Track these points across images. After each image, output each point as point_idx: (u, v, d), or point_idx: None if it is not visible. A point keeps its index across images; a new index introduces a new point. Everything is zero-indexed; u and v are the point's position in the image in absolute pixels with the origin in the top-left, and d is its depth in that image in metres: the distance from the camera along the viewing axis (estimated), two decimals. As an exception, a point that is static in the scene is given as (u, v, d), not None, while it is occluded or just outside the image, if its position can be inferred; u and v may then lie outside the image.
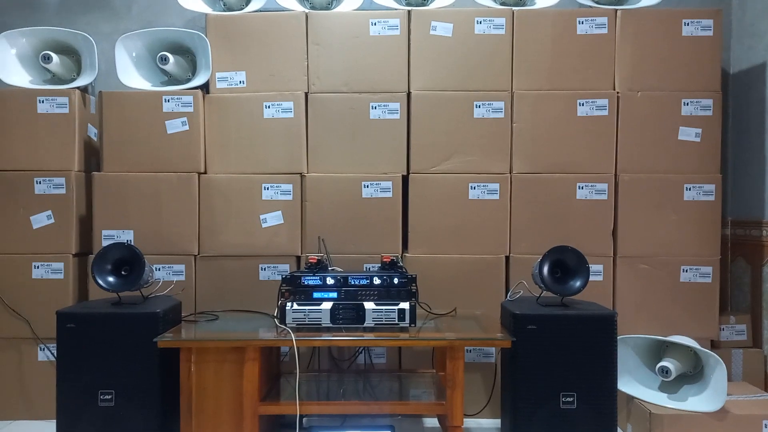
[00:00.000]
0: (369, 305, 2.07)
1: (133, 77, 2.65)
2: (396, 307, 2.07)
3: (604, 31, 2.57)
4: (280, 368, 2.45)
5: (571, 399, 2.03)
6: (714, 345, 2.57)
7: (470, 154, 2.57)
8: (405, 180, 2.58)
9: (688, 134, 2.56)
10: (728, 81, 2.93)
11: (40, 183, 2.53)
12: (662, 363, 2.25)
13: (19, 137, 2.55)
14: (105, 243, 2.48)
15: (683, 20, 2.57)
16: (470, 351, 2.51)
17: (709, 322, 2.54)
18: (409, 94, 2.59)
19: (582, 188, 2.54)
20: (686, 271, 2.54)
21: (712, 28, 2.56)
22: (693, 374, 2.30)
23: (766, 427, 2.15)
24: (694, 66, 2.57)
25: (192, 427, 1.99)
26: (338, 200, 2.56)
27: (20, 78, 2.66)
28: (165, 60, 2.57)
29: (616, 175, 2.56)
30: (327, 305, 2.07)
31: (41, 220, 2.54)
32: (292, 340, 1.96)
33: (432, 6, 2.68)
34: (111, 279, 2.12)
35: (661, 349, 2.35)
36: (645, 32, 2.57)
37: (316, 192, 2.57)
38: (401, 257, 2.52)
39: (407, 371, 2.54)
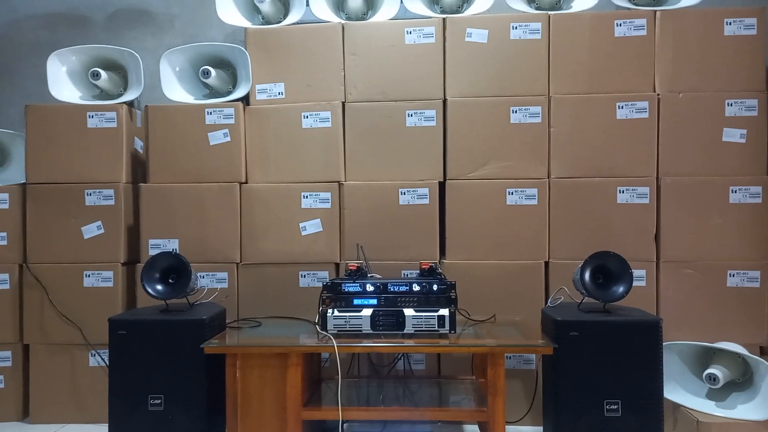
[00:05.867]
0: (409, 312, 2.09)
1: (176, 91, 2.74)
2: (436, 314, 2.08)
3: (643, 32, 2.54)
4: (321, 374, 2.49)
5: (616, 407, 2.00)
6: (763, 351, 2.49)
7: (507, 159, 2.57)
8: (442, 186, 2.59)
9: (733, 135, 2.50)
10: (774, 80, 2.85)
11: (90, 195, 2.64)
12: (710, 370, 2.20)
13: (70, 151, 2.66)
14: (152, 252, 2.57)
15: (725, 19, 2.51)
16: (510, 357, 2.50)
17: (757, 327, 2.47)
18: (444, 101, 2.61)
19: (623, 192, 2.51)
20: (733, 275, 2.48)
21: (755, 27, 2.50)
22: (741, 381, 2.24)
23: (820, 436, 2.08)
24: (738, 66, 2.51)
25: (237, 430, 2.03)
26: (376, 207, 2.59)
27: (70, 94, 2.78)
28: (207, 74, 2.65)
29: (657, 178, 2.52)
30: (367, 312, 2.09)
31: (92, 230, 2.64)
32: (333, 346, 1.99)
33: (467, 13, 2.69)
34: (159, 287, 2.20)
35: (708, 356, 2.30)
36: (685, 33, 2.53)
37: (354, 199, 2.60)
38: (439, 263, 2.53)
39: (446, 377, 2.54)
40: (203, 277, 2.58)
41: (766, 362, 2.13)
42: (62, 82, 2.77)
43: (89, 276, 2.63)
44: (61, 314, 2.61)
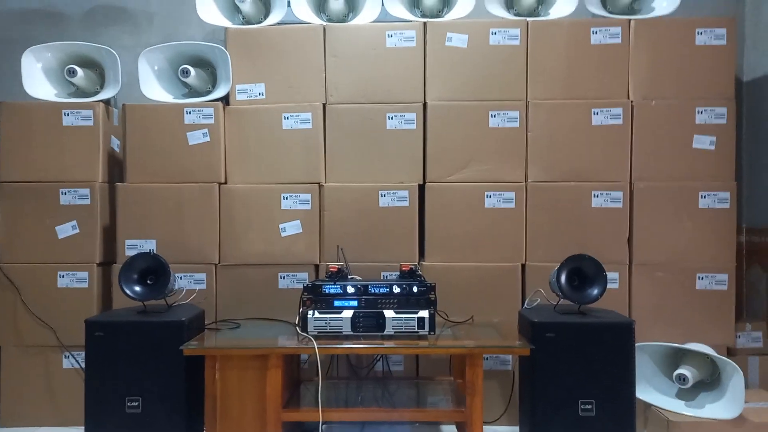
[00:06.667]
0: (389, 313, 2.10)
1: (155, 90, 2.71)
2: (415, 316, 2.10)
3: (618, 40, 2.60)
4: (300, 375, 2.49)
5: (590, 406, 2.05)
6: (730, 352, 2.58)
7: (486, 163, 2.60)
8: (421, 189, 2.62)
9: (703, 142, 2.58)
10: (742, 89, 2.95)
11: (65, 194, 2.59)
12: (679, 370, 2.26)
13: (45, 149, 2.61)
14: (128, 252, 2.54)
15: (697, 29, 2.59)
16: (487, 358, 2.54)
17: (725, 329, 2.55)
18: (425, 105, 2.63)
19: (597, 196, 2.57)
20: (702, 278, 2.55)
21: (725, 37, 2.58)
22: (710, 381, 2.31)
23: (783, 434, 2.16)
24: (708, 74, 2.59)
25: (216, 433, 2.03)
26: (356, 209, 2.60)
27: (45, 91, 2.73)
28: (186, 73, 2.63)
29: (630, 183, 2.58)
30: (348, 313, 2.11)
31: (66, 230, 2.59)
32: (314, 347, 1.99)
33: (447, 17, 2.72)
34: (137, 288, 2.18)
35: (678, 357, 2.37)
36: (659, 41, 2.60)
37: (334, 201, 2.61)
38: (418, 265, 2.55)
39: (425, 378, 2.57)
40: (181, 278, 2.56)
41: (733, 363, 2.20)
42: (37, 80, 2.71)
43: (63, 276, 2.58)
44: (35, 315, 2.56)
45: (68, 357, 2.58)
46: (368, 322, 2.10)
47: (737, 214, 2.61)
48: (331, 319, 2.10)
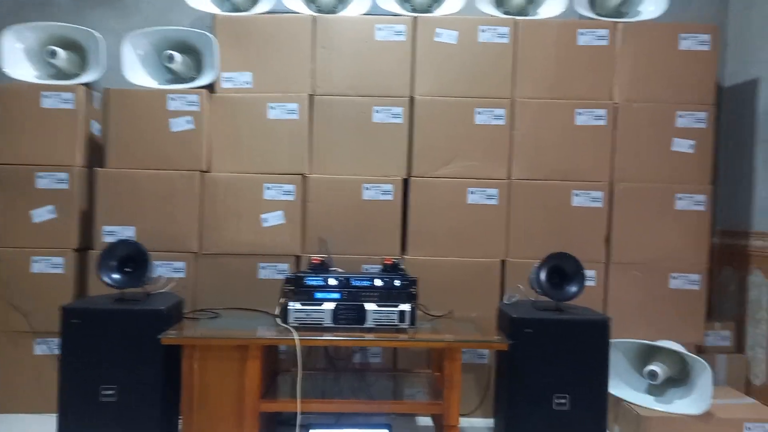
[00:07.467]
0: (370, 306, 2.11)
1: (139, 75, 2.67)
2: (396, 309, 2.11)
3: (605, 42, 2.63)
4: (278, 365, 2.49)
5: (564, 401, 2.09)
6: (699, 350, 2.64)
7: (470, 159, 2.62)
8: (406, 183, 2.63)
9: (682, 145, 2.63)
10: (722, 94, 3.01)
11: (42, 177, 2.54)
12: (650, 367, 2.32)
13: (22, 131, 2.55)
14: (106, 239, 2.50)
15: (681, 34, 2.63)
16: (465, 352, 2.56)
17: (695, 327, 2.61)
18: (412, 99, 2.63)
19: (578, 195, 2.61)
20: (675, 278, 2.61)
21: (709, 43, 2.63)
22: (679, 378, 2.38)
23: (747, 429, 2.23)
24: (690, 79, 2.63)
25: (193, 422, 2.01)
26: (339, 202, 2.60)
27: (26, 72, 2.66)
28: (172, 59, 2.59)
29: (611, 183, 2.62)
30: (329, 306, 2.11)
31: (42, 214, 2.54)
32: (294, 339, 2.00)
33: (437, 13, 2.72)
34: (116, 275, 2.15)
35: (649, 353, 2.42)
36: (644, 45, 2.63)
37: (318, 193, 2.60)
38: (401, 259, 2.56)
39: (403, 371, 2.59)
40: (159, 266, 2.53)
41: (702, 360, 2.26)
42: (17, 60, 2.63)
43: (38, 262, 2.53)
44: (5, 300, 2.50)
45: (40, 343, 2.53)
46: (349, 315, 2.11)
47: (712, 217, 2.67)
48: (312, 310, 2.10)
